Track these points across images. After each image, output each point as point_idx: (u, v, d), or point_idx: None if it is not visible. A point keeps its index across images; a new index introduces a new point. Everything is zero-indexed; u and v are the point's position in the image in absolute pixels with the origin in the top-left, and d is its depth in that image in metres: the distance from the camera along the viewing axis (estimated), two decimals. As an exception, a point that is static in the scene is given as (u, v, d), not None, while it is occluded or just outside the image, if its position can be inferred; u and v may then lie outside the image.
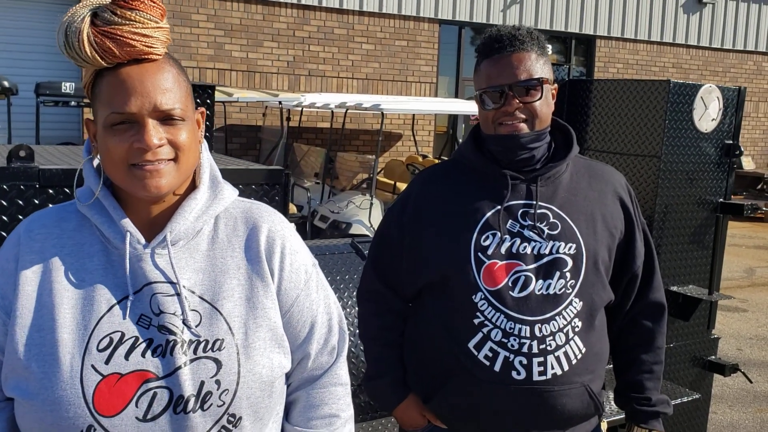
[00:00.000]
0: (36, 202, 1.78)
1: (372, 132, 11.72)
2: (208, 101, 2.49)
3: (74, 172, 1.81)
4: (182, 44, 10.15)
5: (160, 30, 1.17)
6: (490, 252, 1.70)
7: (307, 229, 7.84)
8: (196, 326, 1.18)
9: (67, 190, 1.81)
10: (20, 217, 1.76)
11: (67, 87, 7.07)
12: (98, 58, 1.13)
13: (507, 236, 1.71)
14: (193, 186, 1.26)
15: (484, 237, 1.71)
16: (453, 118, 12.60)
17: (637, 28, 13.84)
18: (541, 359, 1.68)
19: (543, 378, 1.68)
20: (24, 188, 1.76)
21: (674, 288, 3.14)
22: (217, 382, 1.16)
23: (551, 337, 1.69)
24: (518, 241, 1.71)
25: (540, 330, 1.68)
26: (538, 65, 1.70)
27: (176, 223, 1.21)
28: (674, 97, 2.96)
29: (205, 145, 1.30)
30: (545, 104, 1.72)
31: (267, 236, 1.28)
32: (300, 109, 9.55)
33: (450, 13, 12.11)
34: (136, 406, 1.13)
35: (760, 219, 13.32)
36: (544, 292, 1.69)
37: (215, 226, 1.27)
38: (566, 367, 1.71)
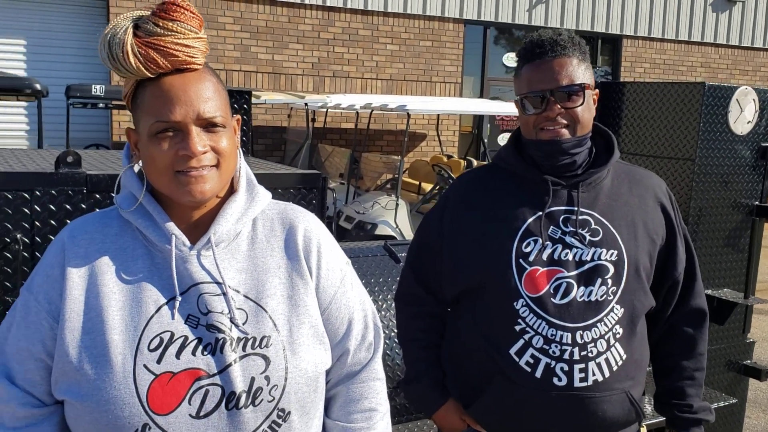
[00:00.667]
0: (83, 206, 1.81)
1: (396, 132, 11.74)
2: (245, 106, 2.51)
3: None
4: (209, 47, 10.23)
5: (199, 40, 1.20)
6: (531, 258, 1.70)
7: (332, 229, 7.88)
8: (243, 324, 1.21)
9: (114, 195, 1.85)
10: (68, 221, 1.80)
11: (97, 89, 7.18)
12: (143, 68, 1.16)
13: (548, 242, 1.70)
14: (231, 190, 1.30)
15: (525, 243, 1.71)
16: (478, 119, 12.56)
17: (665, 27, 13.69)
18: (583, 366, 1.68)
19: (584, 384, 1.68)
20: (72, 193, 1.79)
21: (709, 292, 3.11)
22: (267, 378, 1.20)
23: (592, 344, 1.68)
24: (560, 247, 1.70)
25: (581, 337, 1.68)
26: (580, 70, 1.70)
27: (219, 225, 1.24)
28: (709, 100, 2.93)
29: (240, 151, 1.33)
30: (587, 110, 1.72)
31: (304, 236, 1.31)
32: (325, 110, 9.59)
33: (475, 13, 12.08)
34: (189, 403, 1.16)
35: (790, 220, 13.10)
36: (586, 299, 1.68)
37: (254, 228, 1.30)
38: (607, 374, 1.70)
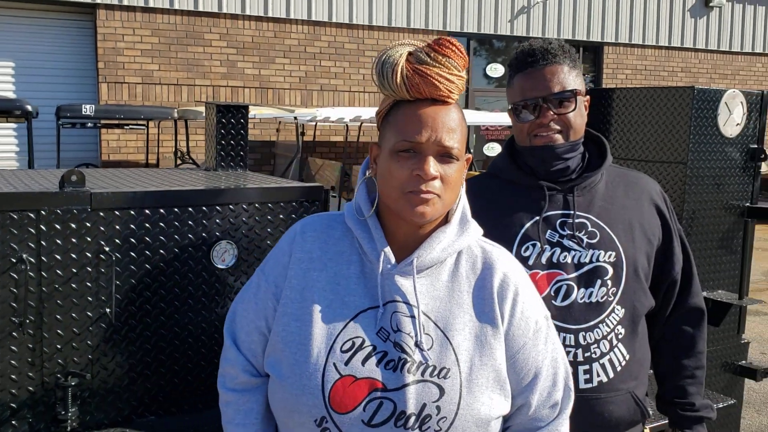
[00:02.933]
0: (88, 225, 1.82)
1: (384, 144, 11.75)
2: (242, 121, 2.53)
3: (123, 195, 1.86)
4: (196, 63, 10.26)
5: (460, 78, 1.30)
6: (531, 262, 1.72)
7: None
8: (428, 350, 1.26)
9: (117, 213, 1.86)
10: (73, 240, 1.80)
11: (87, 109, 7.16)
12: (405, 90, 1.28)
13: (547, 246, 1.73)
14: (445, 220, 1.37)
15: (524, 248, 1.73)
16: (464, 129, 12.60)
17: (645, 33, 13.85)
18: (587, 367, 1.70)
19: (589, 386, 1.70)
20: (77, 212, 1.80)
21: (704, 293, 3.14)
22: (438, 408, 1.24)
23: (595, 345, 1.71)
24: (558, 250, 1.73)
25: (584, 338, 1.70)
26: (571, 77, 1.73)
27: (424, 250, 1.31)
28: (699, 103, 2.98)
29: (463, 187, 1.40)
30: (579, 115, 1.75)
31: (501, 280, 1.35)
32: (314, 123, 9.62)
33: (458, 24, 12.18)
34: (364, 410, 1.23)
35: (776, 221, 13.24)
36: (587, 300, 1.71)
37: (457, 260, 1.36)
38: (612, 375, 1.72)
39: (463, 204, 1.39)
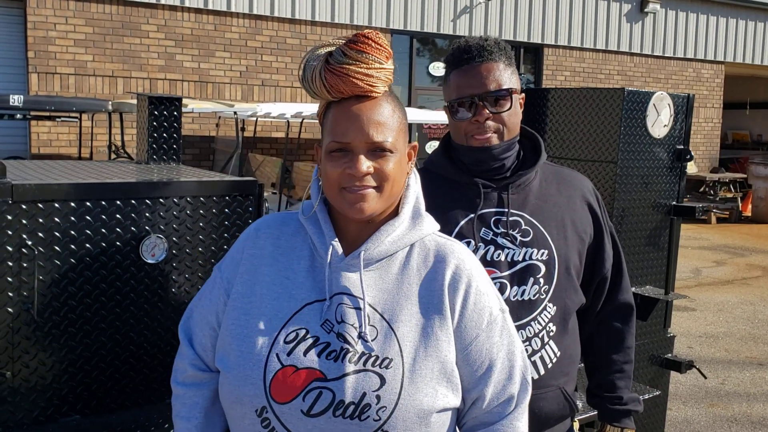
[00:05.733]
0: (9, 217, 1.75)
1: (326, 141, 11.70)
2: (175, 113, 2.47)
3: (47, 187, 1.80)
4: (132, 55, 9.99)
5: (383, 71, 1.30)
6: None
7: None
8: (372, 341, 1.28)
9: (41, 205, 1.79)
10: (-8, 233, 1.73)
11: (15, 99, 6.89)
12: (325, 92, 1.29)
13: (481, 244, 1.74)
14: (396, 213, 1.37)
15: None
16: (406, 127, 12.66)
17: (583, 36, 14.19)
18: None
19: None
20: (-4, 204, 1.73)
21: (633, 289, 3.24)
22: (378, 397, 1.24)
23: (527, 343, 1.73)
24: (492, 248, 1.75)
25: None
26: (506, 75, 1.74)
27: (372, 243, 1.33)
28: (628, 105, 3.07)
29: (415, 177, 1.40)
30: (514, 114, 1.76)
31: (453, 272, 1.35)
32: (255, 119, 9.50)
33: (401, 22, 12.22)
34: (303, 399, 1.24)
35: (704, 221, 13.77)
36: (519, 298, 1.73)
37: (409, 254, 1.36)
38: (542, 371, 1.75)
39: (416, 195, 1.40)
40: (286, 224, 1.41)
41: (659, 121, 3.20)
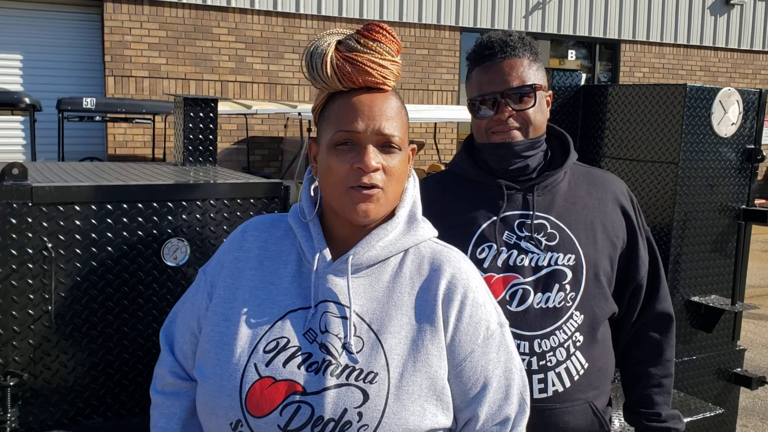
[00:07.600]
0: (29, 220, 1.76)
1: (394, 141, 11.67)
2: (211, 114, 2.46)
3: (67, 190, 1.80)
4: (204, 58, 10.23)
5: (394, 64, 1.23)
6: (486, 265, 1.64)
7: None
8: (357, 352, 1.18)
9: (61, 208, 1.79)
10: (13, 236, 1.74)
11: (89, 102, 7.16)
12: (337, 80, 1.21)
13: (503, 248, 1.65)
14: (391, 217, 1.28)
15: (479, 250, 1.65)
16: (476, 126, 12.49)
17: (663, 31, 13.63)
18: (541, 376, 1.62)
19: (543, 396, 1.62)
20: (16, 206, 1.74)
21: (696, 298, 3.03)
22: (359, 414, 1.14)
23: (551, 353, 1.63)
24: (515, 253, 1.65)
25: (539, 345, 1.62)
26: (531, 71, 1.65)
27: (361, 247, 1.23)
28: (691, 101, 2.87)
29: (414, 181, 1.32)
30: (539, 111, 1.67)
31: (449, 282, 1.25)
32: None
33: (471, 20, 12.05)
34: (280, 414, 1.15)
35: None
36: (543, 306, 1.63)
37: (402, 261, 1.27)
38: (568, 384, 1.65)
39: (413, 200, 1.31)
40: (275, 227, 1.32)
41: (726, 119, 2.97)
